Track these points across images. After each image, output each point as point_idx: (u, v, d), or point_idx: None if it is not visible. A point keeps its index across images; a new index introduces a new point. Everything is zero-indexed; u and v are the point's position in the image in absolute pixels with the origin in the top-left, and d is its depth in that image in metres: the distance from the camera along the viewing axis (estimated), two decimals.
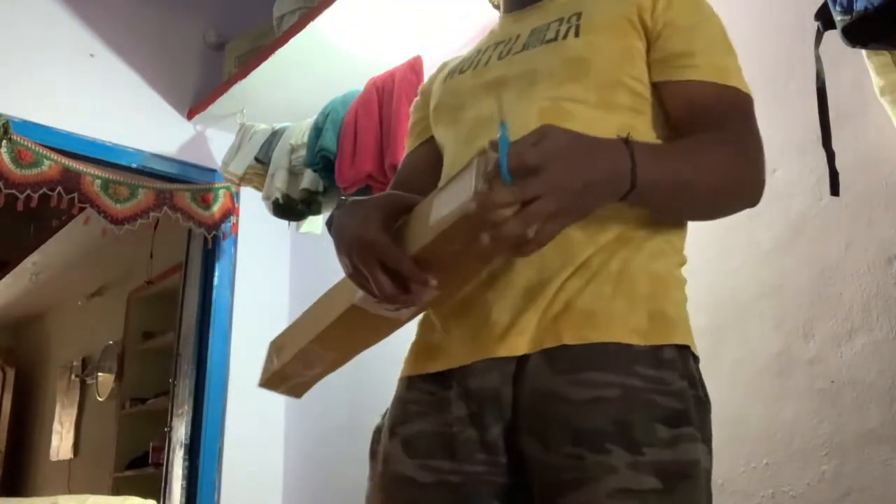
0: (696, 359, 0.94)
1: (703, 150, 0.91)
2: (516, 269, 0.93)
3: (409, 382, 1.01)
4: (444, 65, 1.27)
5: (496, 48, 1.10)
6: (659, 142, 0.99)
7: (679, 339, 0.92)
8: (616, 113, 0.98)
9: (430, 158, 1.17)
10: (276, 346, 1.11)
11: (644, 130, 0.99)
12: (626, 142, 0.82)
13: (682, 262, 1.01)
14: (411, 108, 1.30)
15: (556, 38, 1.02)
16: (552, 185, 0.74)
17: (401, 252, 0.84)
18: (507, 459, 0.92)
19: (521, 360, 0.91)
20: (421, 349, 1.03)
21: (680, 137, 0.98)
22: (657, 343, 0.90)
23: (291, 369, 1.07)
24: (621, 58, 1.00)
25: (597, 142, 0.82)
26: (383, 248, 0.85)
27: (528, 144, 0.76)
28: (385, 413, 1.05)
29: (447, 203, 0.80)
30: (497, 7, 1.45)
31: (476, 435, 0.92)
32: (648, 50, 1.01)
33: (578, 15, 1.03)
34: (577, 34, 1.01)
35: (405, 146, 1.28)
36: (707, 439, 0.90)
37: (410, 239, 0.86)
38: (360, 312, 0.93)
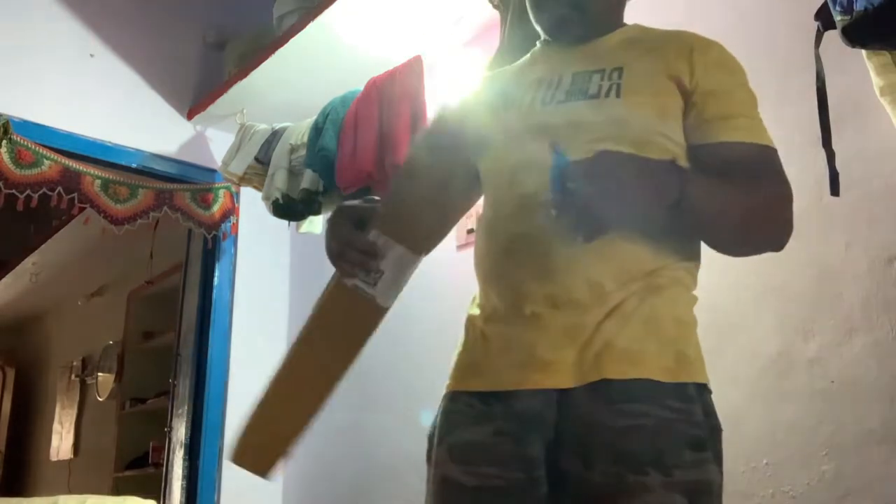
0: (709, 391, 1.07)
1: (747, 186, 1.05)
2: (555, 312, 1.04)
3: (454, 396, 1.13)
4: (487, 79, 1.32)
5: (538, 89, 1.18)
6: None
7: (699, 378, 1.05)
8: None
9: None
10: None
11: None
12: (674, 162, 0.99)
13: (695, 301, 1.11)
14: (438, 112, 1.34)
15: (598, 96, 1.11)
16: (600, 189, 0.91)
17: (357, 234, 1.11)
18: (546, 473, 1.03)
19: (564, 390, 1.03)
20: (466, 368, 1.14)
21: None
22: (682, 381, 1.03)
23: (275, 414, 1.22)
24: (655, 117, 1.10)
25: (646, 160, 0.98)
26: (350, 235, 1.12)
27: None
28: (434, 421, 1.17)
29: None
30: (497, 7, 1.44)
31: (513, 448, 1.04)
32: (686, 111, 1.11)
33: (619, 71, 1.13)
34: (618, 94, 1.10)
35: (418, 135, 1.29)
36: (719, 461, 1.03)
37: None
38: (342, 297, 1.14)
